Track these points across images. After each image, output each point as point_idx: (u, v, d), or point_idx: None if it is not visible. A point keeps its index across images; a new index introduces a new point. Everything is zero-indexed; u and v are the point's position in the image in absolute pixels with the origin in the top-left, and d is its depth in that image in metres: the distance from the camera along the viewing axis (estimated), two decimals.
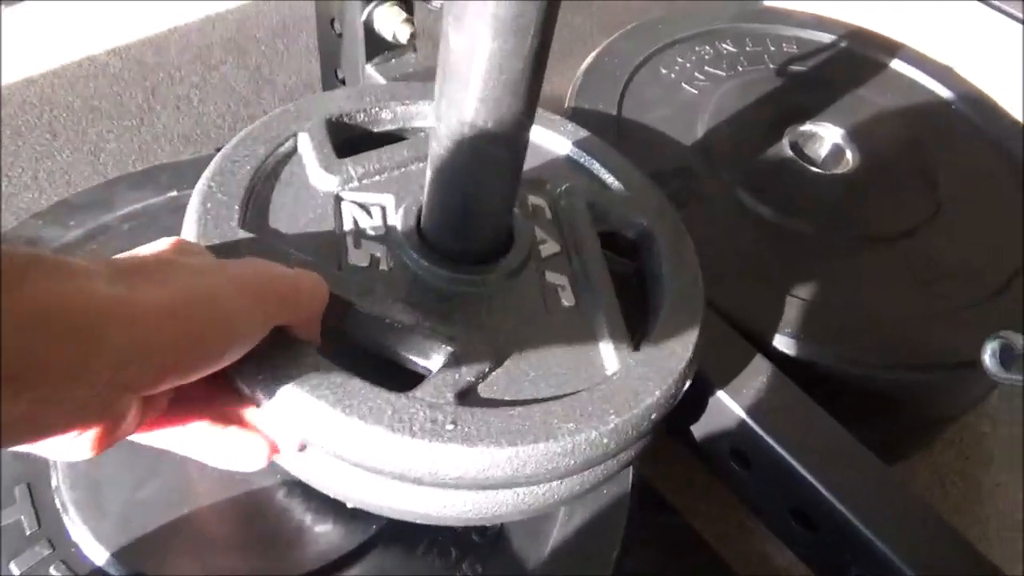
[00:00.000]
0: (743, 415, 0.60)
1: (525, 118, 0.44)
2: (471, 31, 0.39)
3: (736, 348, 0.65)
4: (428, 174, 0.49)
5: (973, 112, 0.99)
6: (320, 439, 0.42)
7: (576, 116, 0.84)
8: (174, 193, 0.69)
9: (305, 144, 0.55)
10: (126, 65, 1.14)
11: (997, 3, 1.57)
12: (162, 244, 0.39)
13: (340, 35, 0.85)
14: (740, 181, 0.82)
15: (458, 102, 0.43)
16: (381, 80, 0.83)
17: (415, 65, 0.84)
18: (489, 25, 0.38)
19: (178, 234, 0.52)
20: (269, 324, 0.38)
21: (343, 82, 0.90)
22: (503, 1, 0.37)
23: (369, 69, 0.83)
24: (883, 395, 0.72)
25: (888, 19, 1.51)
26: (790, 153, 0.86)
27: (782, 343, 0.69)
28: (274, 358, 0.42)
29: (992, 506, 0.84)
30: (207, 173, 0.51)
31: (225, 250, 0.46)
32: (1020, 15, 1.62)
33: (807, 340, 0.69)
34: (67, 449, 0.31)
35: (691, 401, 0.62)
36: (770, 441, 0.59)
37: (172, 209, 0.68)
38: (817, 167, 0.85)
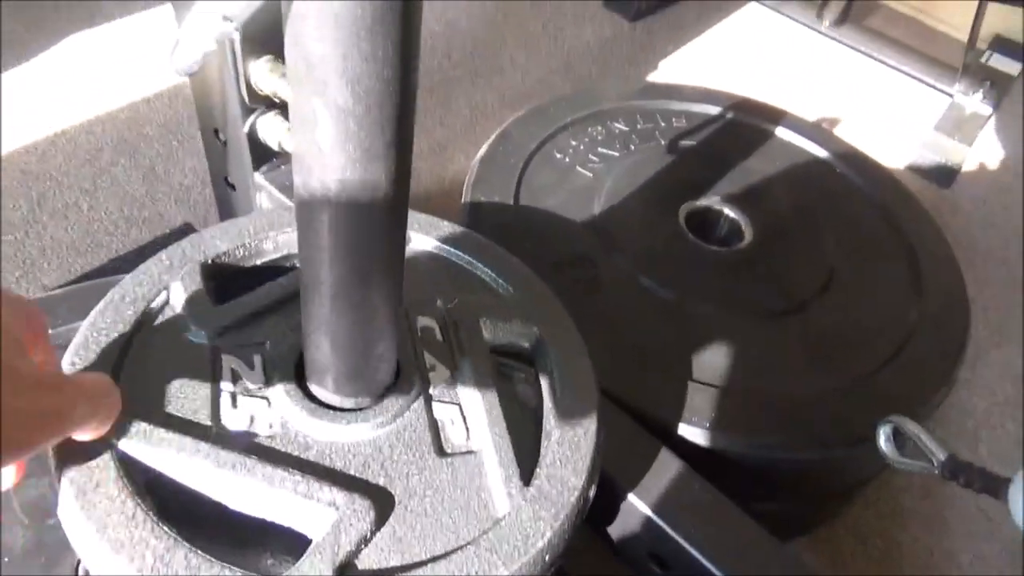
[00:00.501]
0: (655, 517, 0.60)
1: (391, 262, 0.44)
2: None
3: (642, 445, 0.64)
4: (303, 316, 0.47)
5: (852, 171, 1.03)
6: None
7: (473, 209, 0.85)
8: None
9: (178, 295, 0.53)
10: (8, 175, 1.09)
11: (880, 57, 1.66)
12: None
13: (225, 143, 0.83)
14: (639, 264, 0.83)
15: (317, 254, 0.42)
16: (271, 188, 0.81)
17: None
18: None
19: None
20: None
21: (232, 187, 0.88)
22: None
23: (258, 177, 0.82)
24: (789, 473, 0.73)
25: (766, 82, 1.58)
26: (686, 231, 0.88)
27: (686, 431, 0.69)
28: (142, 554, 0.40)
29: (910, 562, 0.85)
30: (71, 347, 0.49)
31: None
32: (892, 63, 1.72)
33: (710, 427, 0.69)
34: None
35: (603, 504, 0.61)
36: (683, 544, 0.59)
37: None
38: (713, 243, 0.87)
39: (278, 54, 0.75)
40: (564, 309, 0.61)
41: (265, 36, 0.73)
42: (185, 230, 1.02)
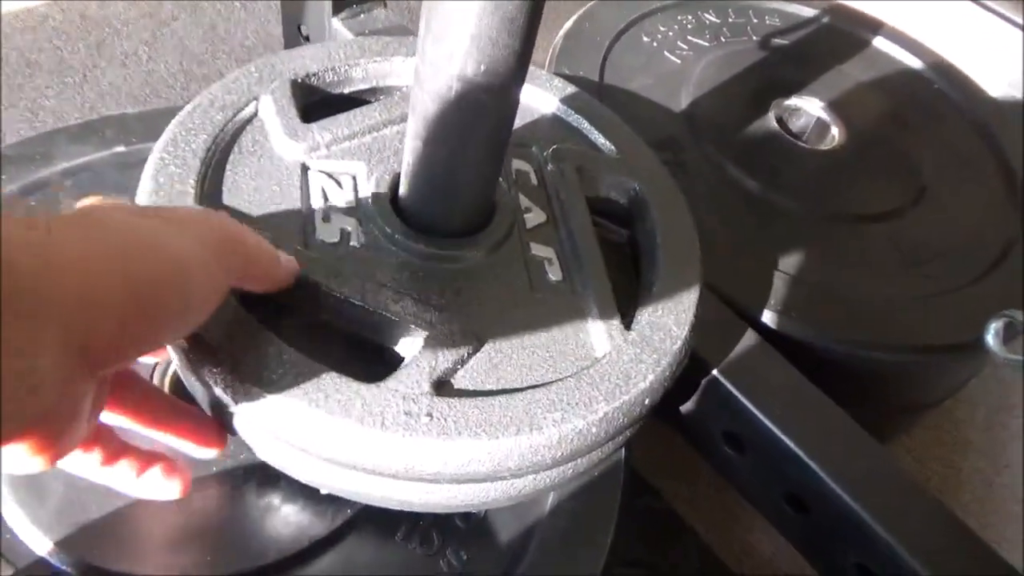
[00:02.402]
0: (739, 396, 0.57)
1: (520, 63, 0.40)
2: None
3: (729, 325, 0.61)
4: (408, 135, 0.44)
5: (951, 90, 0.97)
6: (288, 435, 0.38)
7: None
8: (121, 148, 0.62)
9: (267, 109, 0.50)
10: (67, 17, 1.05)
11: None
12: (92, 200, 0.34)
13: None
14: (726, 154, 0.79)
15: (446, 44, 0.38)
16: (348, 34, 0.77)
17: (385, 21, 0.78)
18: None
19: (126, 193, 0.47)
20: (230, 277, 0.33)
21: (307, 39, 0.84)
22: None
23: (336, 24, 0.77)
24: (871, 377, 0.70)
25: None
26: (776, 127, 0.83)
27: (769, 319, 0.66)
28: (233, 345, 0.38)
29: (970, 492, 0.83)
30: (159, 143, 0.46)
31: None
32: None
33: (795, 317, 0.66)
34: (18, 457, 0.26)
35: (682, 381, 0.59)
36: (767, 423, 0.56)
37: (119, 166, 0.62)
38: (802, 142, 0.83)
39: None
40: (666, 170, 0.57)
41: None
42: None
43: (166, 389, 0.51)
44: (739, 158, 0.78)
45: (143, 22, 1.08)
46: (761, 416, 0.56)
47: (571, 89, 0.61)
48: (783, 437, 0.56)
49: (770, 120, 0.84)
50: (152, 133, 0.64)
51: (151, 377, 0.51)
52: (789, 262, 0.70)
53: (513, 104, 0.43)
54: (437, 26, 0.38)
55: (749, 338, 0.61)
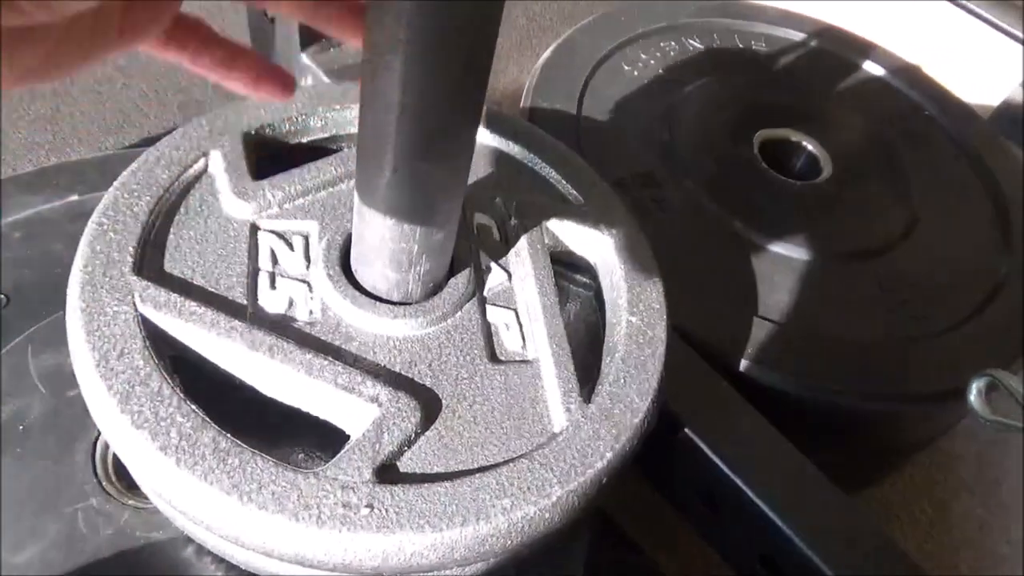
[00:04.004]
0: (711, 455, 0.55)
1: (470, 106, 0.38)
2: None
3: (702, 376, 0.59)
4: (355, 201, 0.42)
5: (942, 115, 0.95)
6: (222, 529, 0.36)
7: (533, 115, 0.78)
8: (74, 197, 0.60)
9: (217, 165, 0.48)
10: None
11: (965, 3, 1.55)
12: None
13: (272, 20, 0.77)
14: (707, 189, 0.76)
15: (383, 101, 0.36)
16: (318, 71, 0.75)
17: (355, 56, 0.76)
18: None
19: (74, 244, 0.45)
20: None
21: None
22: None
23: (304, 59, 0.76)
24: (854, 424, 0.67)
25: (854, 14, 1.48)
26: (759, 159, 0.81)
27: (747, 367, 0.64)
28: (167, 432, 0.36)
29: (960, 534, 0.81)
30: (99, 207, 0.44)
31: (115, 297, 0.40)
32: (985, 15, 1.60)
33: (773, 366, 0.64)
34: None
35: (654, 437, 0.57)
36: (739, 483, 0.54)
37: (72, 216, 0.60)
38: (788, 175, 0.80)
39: None
40: (635, 221, 0.55)
41: None
42: None
43: (109, 465, 0.49)
44: (720, 194, 0.76)
45: None
46: (733, 476, 0.54)
47: (538, 134, 0.59)
48: (755, 498, 0.54)
49: (753, 152, 0.81)
50: (106, 179, 0.62)
51: (92, 452, 0.49)
52: (770, 305, 0.68)
53: (462, 178, 0.41)
54: (370, 93, 0.36)
55: (723, 391, 0.59)
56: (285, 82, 0.38)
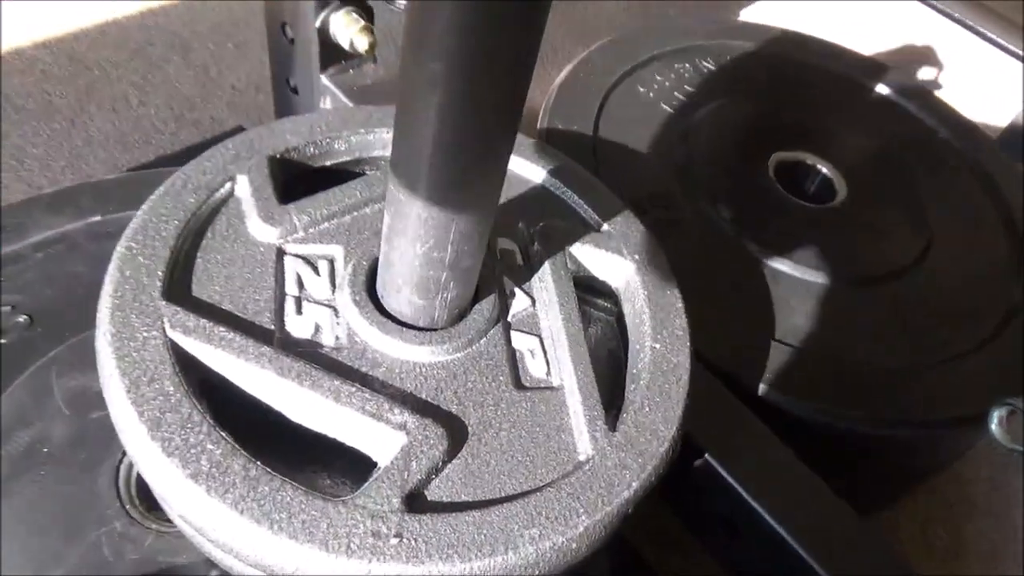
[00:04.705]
0: (732, 482, 0.55)
1: (504, 139, 0.38)
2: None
3: (723, 403, 0.59)
4: (384, 226, 0.42)
5: (955, 137, 0.95)
6: (251, 557, 0.36)
7: (550, 137, 0.79)
8: (97, 217, 0.60)
9: (243, 189, 0.49)
10: (57, 60, 1.04)
11: (973, 25, 1.55)
12: None
13: (292, 41, 0.77)
14: (723, 212, 0.76)
15: (418, 124, 0.36)
16: (337, 92, 0.75)
17: (374, 76, 0.77)
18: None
19: (102, 264, 0.45)
20: None
21: (295, 90, 0.82)
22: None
23: (324, 80, 0.76)
24: (872, 449, 0.67)
25: (865, 36, 1.48)
26: (775, 182, 0.81)
27: (766, 393, 0.64)
28: (198, 460, 0.36)
29: (975, 557, 0.80)
30: (128, 231, 0.44)
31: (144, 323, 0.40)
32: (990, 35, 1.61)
33: (792, 392, 0.64)
34: None
35: (677, 463, 0.57)
36: (760, 511, 0.54)
37: (95, 236, 0.60)
38: (803, 198, 0.81)
39: None
40: (658, 246, 0.55)
41: None
42: (238, 132, 0.97)
43: (132, 487, 0.49)
44: (736, 216, 0.76)
45: (134, 64, 1.07)
46: (753, 502, 0.54)
47: (559, 158, 0.59)
48: (775, 525, 0.53)
49: (768, 175, 0.82)
50: (129, 200, 0.63)
51: (116, 475, 0.49)
52: (787, 330, 0.68)
53: (493, 202, 0.41)
54: (404, 123, 0.37)
55: (743, 417, 0.58)
56: None
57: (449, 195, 0.38)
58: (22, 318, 0.54)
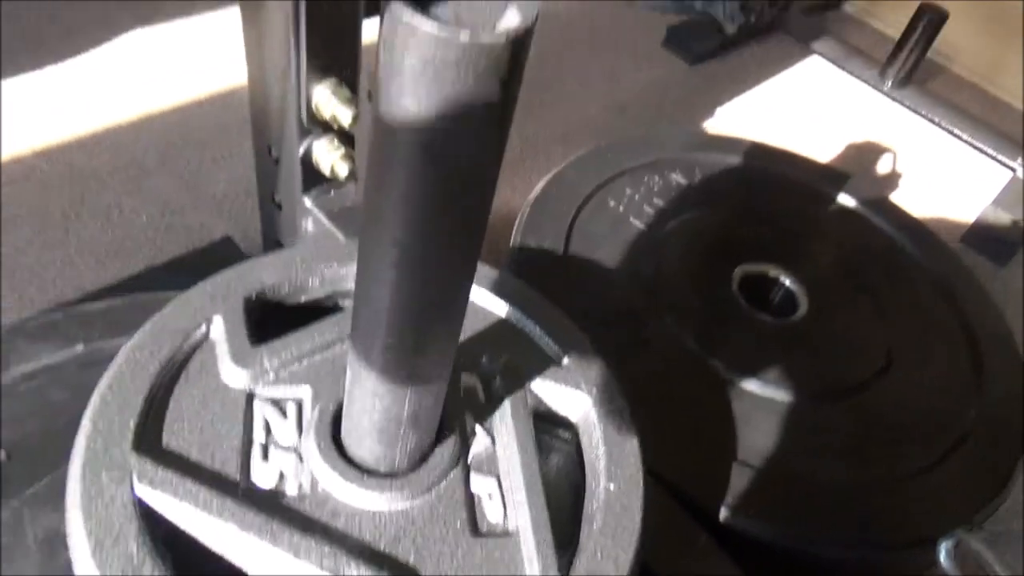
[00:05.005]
0: None
1: (456, 316, 0.41)
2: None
3: (681, 529, 0.61)
4: (347, 375, 0.45)
5: (914, 247, 0.99)
6: None
7: (522, 255, 0.82)
8: (80, 347, 0.63)
9: (218, 330, 0.51)
10: (54, 169, 1.08)
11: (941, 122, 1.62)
12: None
13: (277, 161, 0.81)
14: (689, 328, 0.79)
15: (374, 300, 0.39)
16: (319, 214, 0.79)
17: (355, 199, 0.81)
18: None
19: (83, 394, 0.47)
20: None
21: (279, 206, 0.86)
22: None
23: (307, 201, 0.80)
24: (830, 571, 0.68)
25: (832, 135, 1.55)
26: (738, 295, 0.84)
27: (726, 515, 0.65)
28: None
29: None
30: (104, 380, 0.47)
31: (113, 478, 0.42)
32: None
33: (751, 514, 0.66)
34: None
35: None
36: None
37: (79, 365, 0.62)
38: (766, 312, 0.84)
39: (342, 78, 0.73)
40: (615, 380, 0.58)
41: (331, 59, 0.72)
42: (225, 243, 1.00)
43: None
44: (701, 333, 0.79)
45: (128, 171, 1.11)
46: None
47: (522, 289, 0.62)
48: None
49: (732, 289, 0.85)
50: (114, 328, 0.65)
51: None
52: (747, 448, 0.70)
53: (448, 364, 0.44)
54: (363, 288, 0.39)
55: (702, 544, 0.60)
56: None
57: (402, 369, 0.40)
58: (1, 453, 0.56)
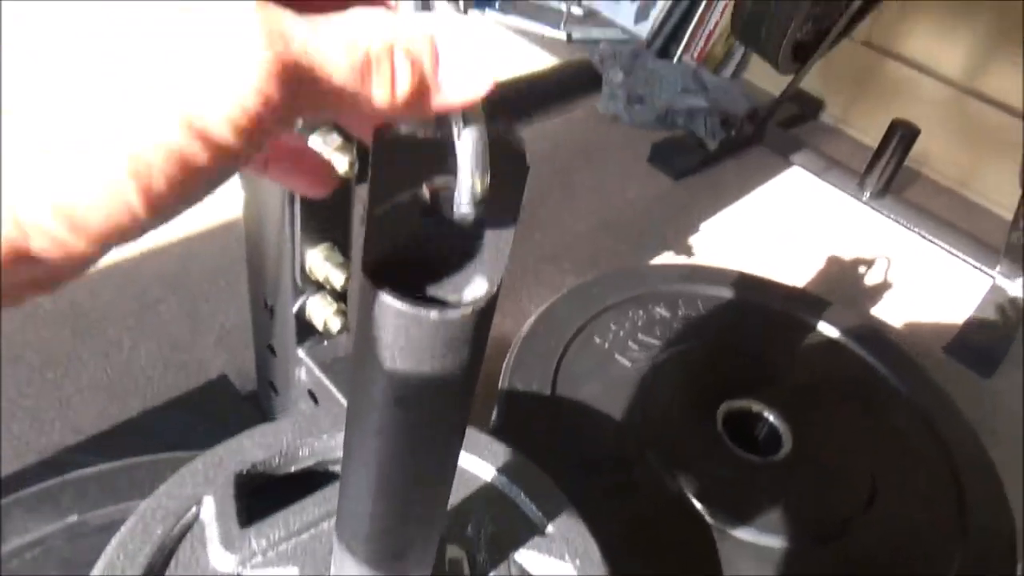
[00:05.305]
0: None
1: (436, 526, 0.43)
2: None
3: None
4: (333, 557, 0.46)
5: (900, 380, 1.01)
6: None
7: (510, 398, 0.84)
8: (74, 518, 0.64)
9: (208, 512, 0.53)
10: (58, 307, 1.12)
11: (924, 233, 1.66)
12: None
13: (272, 312, 0.84)
14: (674, 471, 0.81)
15: (356, 502, 0.40)
16: (312, 365, 0.82)
17: (348, 348, 0.83)
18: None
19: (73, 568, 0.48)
20: None
21: (273, 352, 0.89)
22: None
23: (300, 352, 0.82)
24: None
25: (815, 239, 1.59)
26: (723, 434, 0.86)
27: None
28: None
29: None
30: (99, 564, 0.48)
31: None
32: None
33: None
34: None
35: None
36: None
37: (70, 537, 0.63)
38: (751, 450, 0.85)
39: (335, 242, 0.77)
40: (599, 550, 0.59)
41: (324, 225, 0.76)
42: (220, 383, 1.02)
43: None
44: (687, 475, 0.80)
45: (130, 306, 1.15)
46: None
47: (508, 454, 0.64)
48: None
49: (717, 428, 0.86)
50: (108, 496, 0.67)
51: None
52: None
53: (430, 559, 0.45)
54: (345, 496, 0.41)
55: None
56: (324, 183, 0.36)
57: (383, 571, 0.42)
58: None
